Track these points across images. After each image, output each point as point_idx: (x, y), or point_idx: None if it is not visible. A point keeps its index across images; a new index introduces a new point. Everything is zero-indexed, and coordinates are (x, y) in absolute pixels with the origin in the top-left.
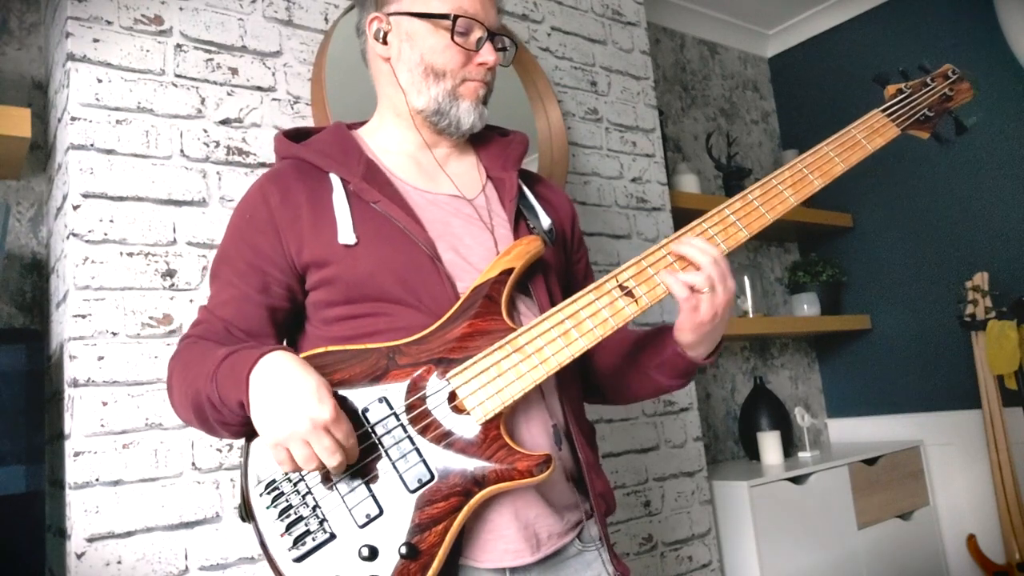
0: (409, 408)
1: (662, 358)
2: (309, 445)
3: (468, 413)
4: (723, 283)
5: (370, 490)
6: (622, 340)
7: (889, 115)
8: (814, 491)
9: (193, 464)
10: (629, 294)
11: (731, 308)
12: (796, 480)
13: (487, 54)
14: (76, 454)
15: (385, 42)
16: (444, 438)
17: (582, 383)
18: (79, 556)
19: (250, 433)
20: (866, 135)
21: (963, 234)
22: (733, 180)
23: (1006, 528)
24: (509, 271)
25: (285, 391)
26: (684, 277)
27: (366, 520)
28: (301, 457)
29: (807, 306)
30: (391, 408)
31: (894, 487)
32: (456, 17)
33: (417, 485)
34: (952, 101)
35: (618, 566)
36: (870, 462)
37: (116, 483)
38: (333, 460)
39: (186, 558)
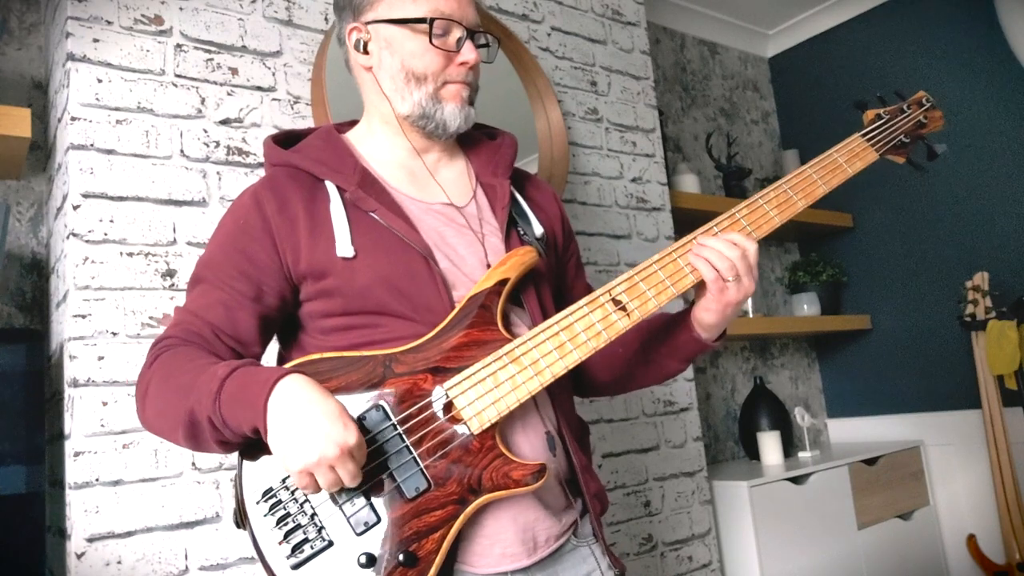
0: (406, 417)
1: (675, 342)
2: (335, 470)
3: (464, 422)
4: (749, 274)
5: (368, 498)
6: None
7: (868, 140)
8: (814, 491)
9: (193, 464)
10: (622, 308)
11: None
12: (796, 480)
13: (467, 53)
14: (76, 454)
15: (366, 51)
16: (440, 447)
17: (580, 382)
18: (79, 556)
19: (244, 448)
20: (847, 159)
21: (963, 234)
22: (733, 180)
23: (1006, 528)
24: (504, 281)
25: (310, 417)
26: (715, 264)
27: (364, 528)
28: (327, 482)
29: (807, 306)
30: (387, 416)
31: (894, 487)
32: (433, 20)
33: (415, 494)
34: (926, 128)
35: (615, 562)
36: (870, 462)
37: (116, 483)
38: (355, 483)
39: (186, 558)
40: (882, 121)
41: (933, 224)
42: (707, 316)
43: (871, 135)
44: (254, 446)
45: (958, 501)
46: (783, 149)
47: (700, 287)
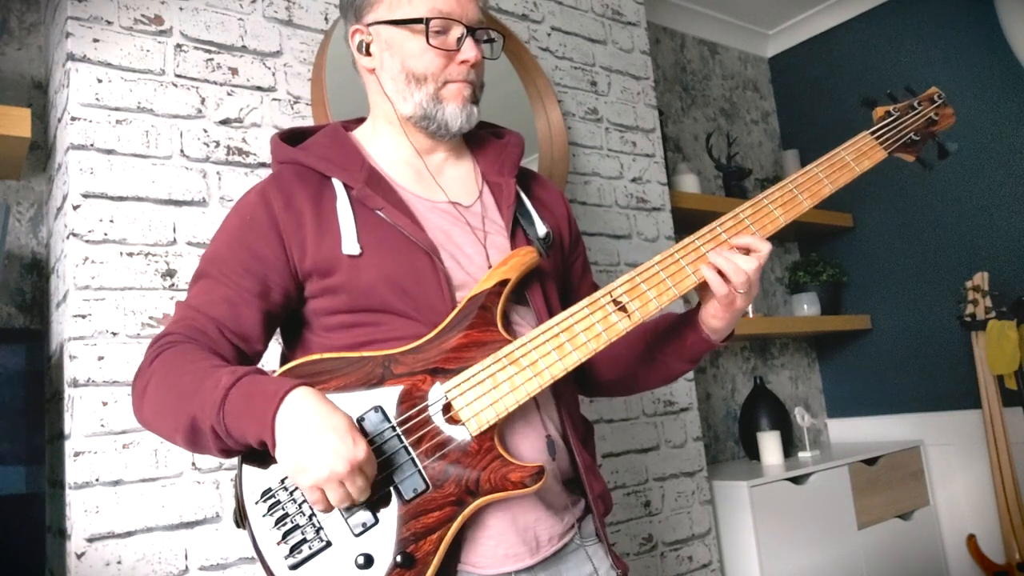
0: (405, 419)
1: (683, 343)
2: (344, 485)
3: (462, 424)
4: (758, 281)
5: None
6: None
7: (877, 138)
8: (814, 491)
9: (193, 464)
10: (622, 309)
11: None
12: (796, 480)
13: (468, 51)
14: (76, 454)
15: (368, 53)
16: (439, 448)
17: (584, 382)
18: (79, 556)
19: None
20: (854, 157)
21: (963, 234)
22: (733, 180)
23: (1006, 528)
24: (505, 282)
25: (320, 433)
26: (731, 278)
27: (362, 529)
28: (337, 497)
29: (807, 306)
30: (386, 418)
31: (894, 487)
32: (429, 19)
33: (412, 495)
34: (937, 125)
35: (617, 563)
36: (870, 462)
37: (116, 483)
38: (364, 497)
39: (186, 558)
40: (892, 118)
41: (933, 224)
42: (715, 322)
43: (880, 133)
44: (256, 451)
45: (958, 501)
46: (783, 149)
47: (704, 290)
